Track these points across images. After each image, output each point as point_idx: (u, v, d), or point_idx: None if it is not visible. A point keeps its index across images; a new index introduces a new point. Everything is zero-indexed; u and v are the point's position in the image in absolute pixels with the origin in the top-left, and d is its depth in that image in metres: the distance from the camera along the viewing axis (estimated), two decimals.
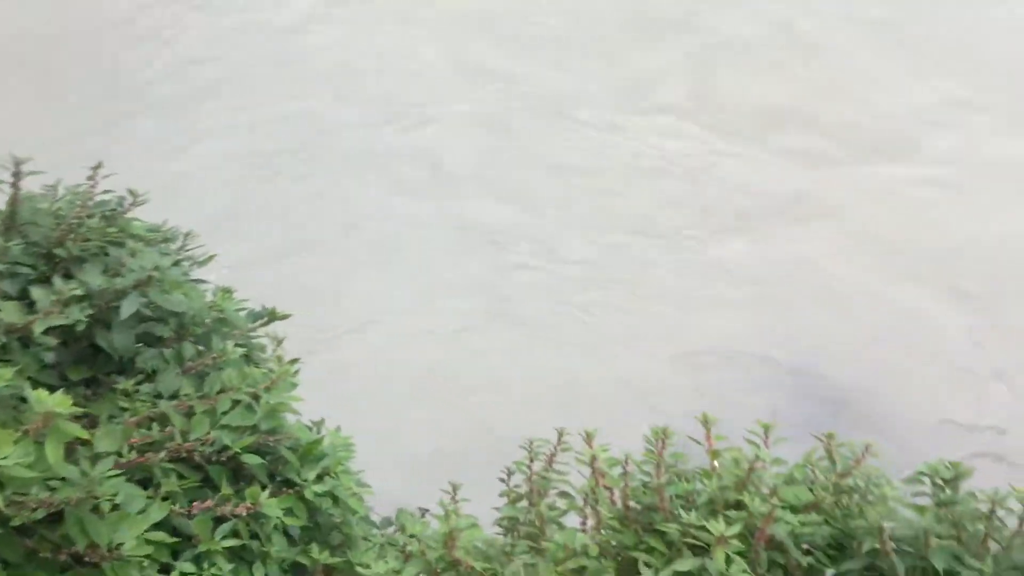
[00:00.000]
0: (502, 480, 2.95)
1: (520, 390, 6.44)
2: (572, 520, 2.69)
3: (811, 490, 2.54)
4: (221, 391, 2.43)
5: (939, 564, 2.28)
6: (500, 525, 2.84)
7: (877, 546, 2.32)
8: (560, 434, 2.98)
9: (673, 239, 7.83)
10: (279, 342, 3.05)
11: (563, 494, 2.82)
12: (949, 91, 9.35)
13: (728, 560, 2.18)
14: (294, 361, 2.75)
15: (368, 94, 9.42)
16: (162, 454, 2.24)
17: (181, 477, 2.28)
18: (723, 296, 7.34)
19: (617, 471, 2.61)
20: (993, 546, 2.37)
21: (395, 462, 5.64)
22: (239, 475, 2.39)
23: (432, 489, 2.85)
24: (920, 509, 2.43)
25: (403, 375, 6.61)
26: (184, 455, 2.28)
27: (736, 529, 2.26)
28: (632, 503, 2.55)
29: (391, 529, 2.83)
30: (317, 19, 10.42)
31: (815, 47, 9.91)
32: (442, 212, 8.02)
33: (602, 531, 2.49)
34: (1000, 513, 2.35)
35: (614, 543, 2.48)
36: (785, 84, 9.45)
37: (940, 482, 2.50)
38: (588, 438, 2.68)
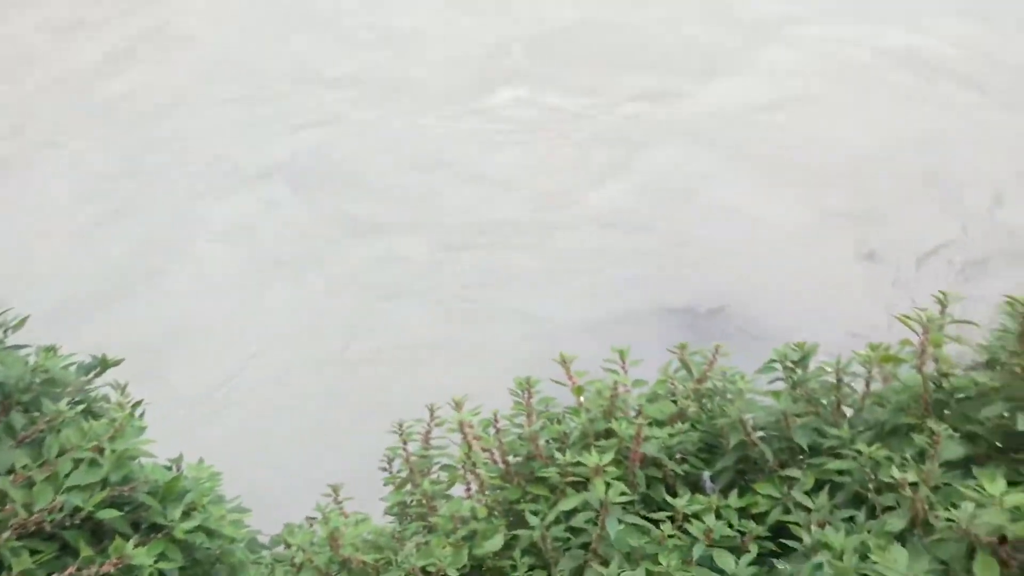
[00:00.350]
0: (383, 469, 2.92)
1: (426, 399, 6.33)
2: (461, 492, 2.68)
3: (674, 402, 2.61)
4: (61, 453, 2.29)
5: (803, 441, 2.38)
6: (391, 513, 2.81)
7: (744, 439, 2.41)
8: (432, 410, 2.97)
9: (553, 204, 7.79)
10: (122, 389, 2.90)
11: (445, 467, 2.81)
12: (780, 7, 9.67)
13: (607, 487, 2.21)
14: (137, 404, 2.62)
15: (202, 122, 8.99)
16: (7, 534, 2.10)
17: (35, 552, 2.14)
18: (616, 250, 7.32)
19: (492, 431, 2.61)
20: (847, 411, 2.50)
21: (301, 490, 5.49)
22: (100, 533, 2.26)
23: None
24: (777, 395, 2.53)
25: (296, 405, 6.37)
26: (33, 528, 2.14)
27: (609, 456, 2.30)
28: (511, 458, 2.56)
29: (280, 547, 2.76)
30: (116, 60, 9.88)
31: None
32: (310, 227, 7.75)
33: (487, 492, 2.49)
34: (847, 379, 2.47)
35: (500, 500, 2.48)
36: (610, 37, 9.55)
37: (791, 364, 2.61)
38: (457, 406, 2.67)
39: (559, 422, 2.58)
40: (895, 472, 2.02)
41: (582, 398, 2.63)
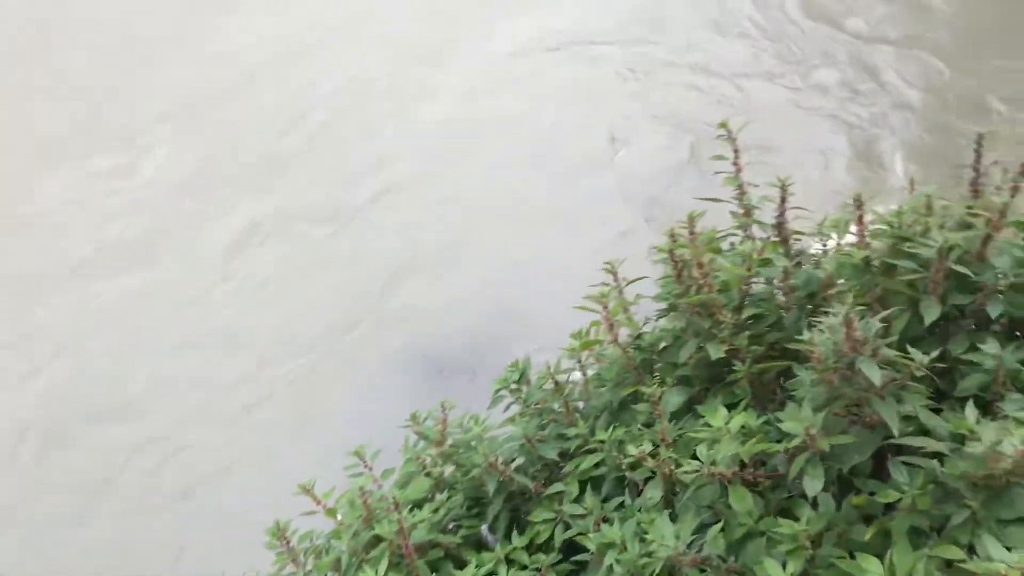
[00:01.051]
0: None
1: None
2: None
3: (428, 474, 2.54)
4: None
5: (550, 454, 2.41)
6: None
7: (500, 478, 2.39)
8: None
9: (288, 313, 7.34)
10: None
11: None
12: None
13: None
14: None
15: None
16: None
17: None
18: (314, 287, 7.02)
19: None
20: (580, 405, 2.56)
21: None
22: None
23: None
24: (512, 420, 2.54)
25: None
26: None
27: (384, 564, 2.20)
28: None
29: None
30: None
31: None
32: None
33: None
34: (563, 378, 2.53)
35: None
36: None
37: (515, 385, 2.64)
38: None
39: (326, 552, 2.43)
40: (631, 449, 2.07)
41: (339, 516, 2.50)
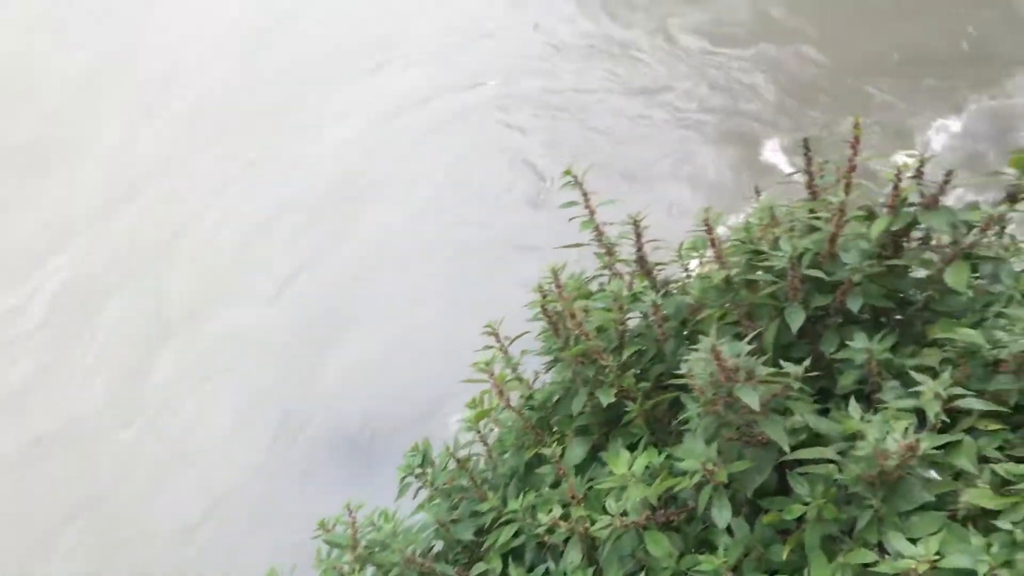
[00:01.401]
0: None
1: None
2: None
3: None
4: None
5: (467, 535, 2.34)
6: None
7: (421, 571, 2.32)
8: None
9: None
10: None
11: None
12: None
13: None
14: None
15: None
16: None
17: None
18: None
19: None
20: (489, 476, 2.51)
21: None
22: None
23: None
24: (422, 507, 2.47)
25: None
26: None
27: None
28: None
29: None
30: None
31: None
32: None
33: None
34: (466, 452, 2.47)
35: None
36: None
37: (419, 469, 2.56)
38: None
39: None
40: (542, 517, 2.03)
41: None
